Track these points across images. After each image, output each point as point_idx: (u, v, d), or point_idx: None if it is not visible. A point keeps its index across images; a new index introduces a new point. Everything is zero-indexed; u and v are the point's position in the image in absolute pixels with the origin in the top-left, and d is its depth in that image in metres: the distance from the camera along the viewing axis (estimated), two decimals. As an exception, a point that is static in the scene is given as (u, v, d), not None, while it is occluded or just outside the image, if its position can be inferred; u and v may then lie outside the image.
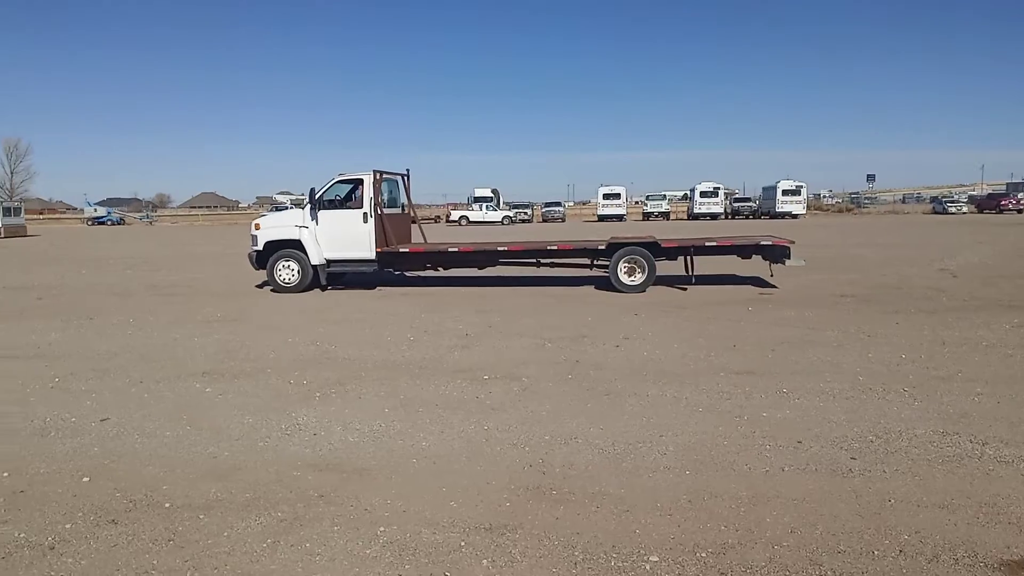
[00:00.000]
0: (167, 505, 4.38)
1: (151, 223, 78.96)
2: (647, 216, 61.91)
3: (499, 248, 14.49)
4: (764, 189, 63.89)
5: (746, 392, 6.46)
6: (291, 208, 26.45)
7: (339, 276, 14.92)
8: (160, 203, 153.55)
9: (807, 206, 61.11)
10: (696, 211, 59.32)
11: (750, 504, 4.19)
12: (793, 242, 13.50)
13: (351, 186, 14.33)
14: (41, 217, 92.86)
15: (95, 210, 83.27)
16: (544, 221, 61.57)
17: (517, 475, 4.73)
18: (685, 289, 13.39)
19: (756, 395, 6.37)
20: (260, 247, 14.36)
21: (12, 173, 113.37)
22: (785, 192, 57.55)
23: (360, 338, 9.46)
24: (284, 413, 6.17)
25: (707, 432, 5.44)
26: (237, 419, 6.04)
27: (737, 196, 68.49)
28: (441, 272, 15.39)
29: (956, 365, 7.29)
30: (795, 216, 56.34)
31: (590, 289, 13.76)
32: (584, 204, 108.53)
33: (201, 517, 4.19)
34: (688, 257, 13.74)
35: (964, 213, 59.43)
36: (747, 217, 59.74)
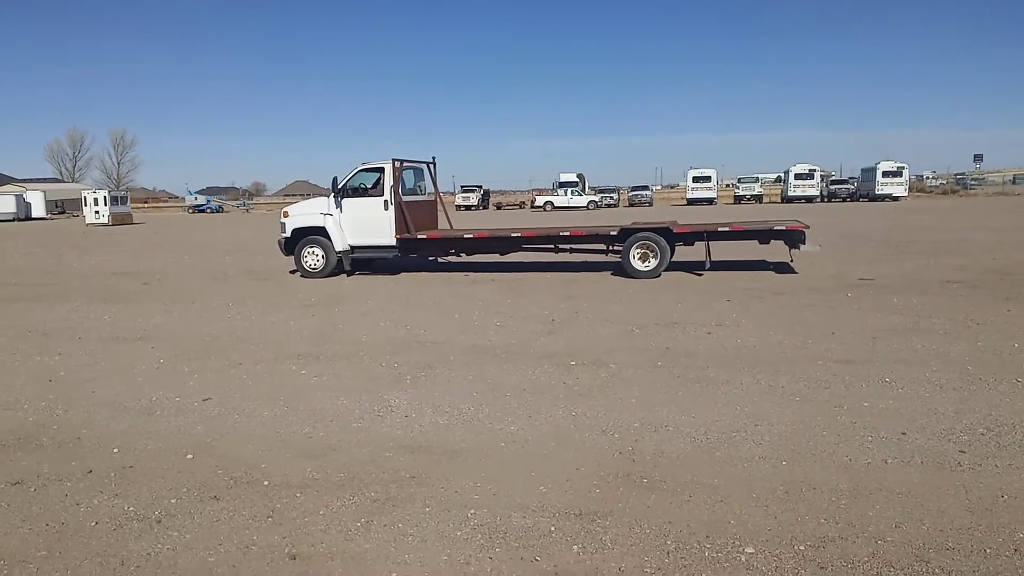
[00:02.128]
0: (266, 483, 4.52)
1: (247, 211, 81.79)
2: (739, 200, 60.35)
3: (513, 234, 14.71)
4: (863, 171, 61.29)
5: (846, 381, 6.22)
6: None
7: (367, 262, 15.33)
8: (256, 191, 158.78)
9: (909, 188, 58.36)
10: (790, 194, 57.41)
11: (851, 497, 4.03)
12: (808, 226, 13.13)
13: (374, 174, 14.64)
14: (145, 206, 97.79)
15: (195, 198, 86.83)
16: (631, 205, 60.83)
17: (606, 462, 4.68)
18: (700, 274, 13.15)
19: (856, 384, 6.12)
20: (288, 234, 14.97)
21: (119, 164, 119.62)
22: (885, 173, 55.01)
23: (448, 322, 9.56)
24: (376, 395, 6.29)
25: (804, 422, 5.26)
26: (331, 401, 6.19)
27: (834, 178, 65.98)
28: (513, 259, 15.50)
29: (1076, 355, 6.83)
30: (896, 199, 53.87)
31: (682, 275, 13.50)
32: (672, 188, 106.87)
33: (298, 495, 4.31)
34: (705, 242, 13.49)
35: (1082, 194, 55.70)
36: (844, 200, 57.42)
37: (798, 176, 57.59)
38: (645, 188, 65.97)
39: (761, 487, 4.21)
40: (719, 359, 7.17)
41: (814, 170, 58.37)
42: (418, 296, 12.05)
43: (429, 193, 16.32)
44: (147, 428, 5.66)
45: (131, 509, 4.21)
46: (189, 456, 5.03)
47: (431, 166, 16.21)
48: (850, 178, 64.00)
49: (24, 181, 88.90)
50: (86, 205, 50.30)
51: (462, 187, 69.94)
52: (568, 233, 14.49)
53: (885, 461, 4.52)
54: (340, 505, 4.16)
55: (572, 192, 58.31)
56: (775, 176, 76.25)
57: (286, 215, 15.28)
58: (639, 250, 13.30)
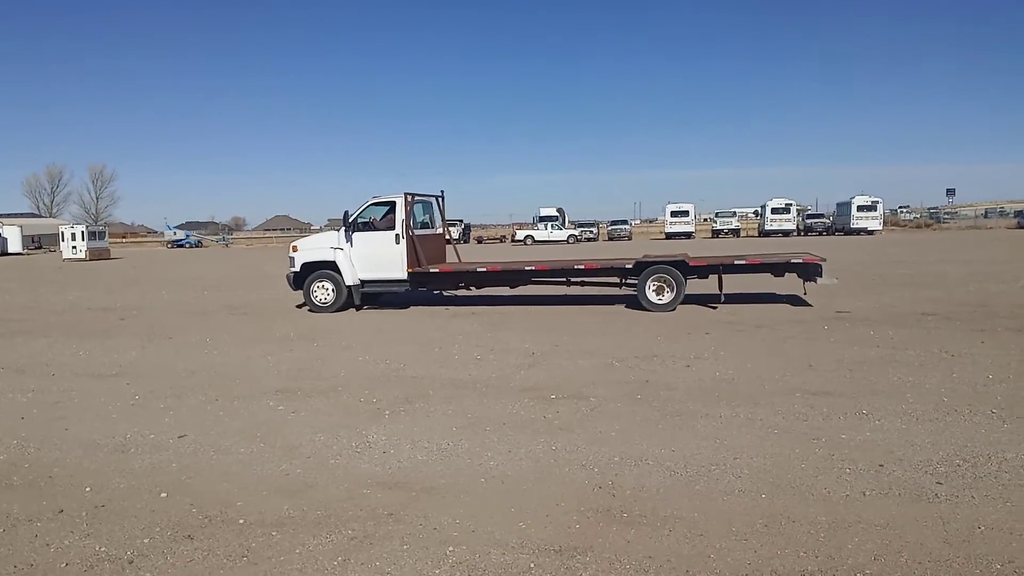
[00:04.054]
0: (241, 521, 4.45)
1: (227, 245, 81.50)
2: (716, 234, 61.08)
3: (526, 268, 14.57)
4: (838, 205, 62.29)
5: (824, 413, 6.26)
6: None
7: (374, 297, 15.19)
8: (236, 226, 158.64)
9: (883, 222, 59.28)
10: (767, 228, 58.19)
11: (830, 529, 4.03)
12: (824, 259, 13.13)
13: (384, 208, 14.59)
14: (124, 240, 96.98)
15: (174, 233, 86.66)
16: (610, 239, 61.25)
17: (587, 496, 4.66)
18: (715, 307, 13.17)
19: (834, 416, 6.16)
20: (297, 268, 14.78)
21: (97, 198, 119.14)
22: (860, 208, 55.95)
23: (428, 356, 9.52)
24: (355, 431, 6.24)
25: (783, 455, 5.27)
26: (309, 437, 6.13)
27: (810, 212, 66.97)
28: (505, 292, 15.48)
29: (1049, 386, 6.92)
30: (871, 232, 54.69)
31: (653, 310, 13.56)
32: (651, 222, 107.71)
33: (274, 534, 4.25)
34: (719, 276, 13.50)
35: (1052, 227, 56.77)
36: (820, 234, 58.26)
37: (775, 210, 58.46)
38: (624, 222, 66.57)
39: (741, 520, 4.20)
40: (698, 392, 7.19)
41: (790, 204, 59.26)
42: (398, 330, 12.00)
43: (438, 226, 16.25)
44: (121, 466, 5.57)
45: (103, 550, 4.13)
46: (163, 494, 4.95)
47: (439, 200, 16.14)
48: (828, 213, 64.95)
49: (0, 216, 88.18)
50: (63, 240, 49.89)
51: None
52: (583, 267, 14.27)
53: (863, 493, 4.53)
54: (316, 544, 4.10)
55: (552, 226, 58.65)
56: (752, 210, 77.22)
57: (295, 249, 15.08)
58: (655, 283, 13.22)
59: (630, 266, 13.59)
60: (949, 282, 16.64)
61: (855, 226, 55.42)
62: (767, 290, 14.83)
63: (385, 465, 5.38)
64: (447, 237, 16.68)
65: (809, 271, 13.05)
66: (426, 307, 15.07)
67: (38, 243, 74.85)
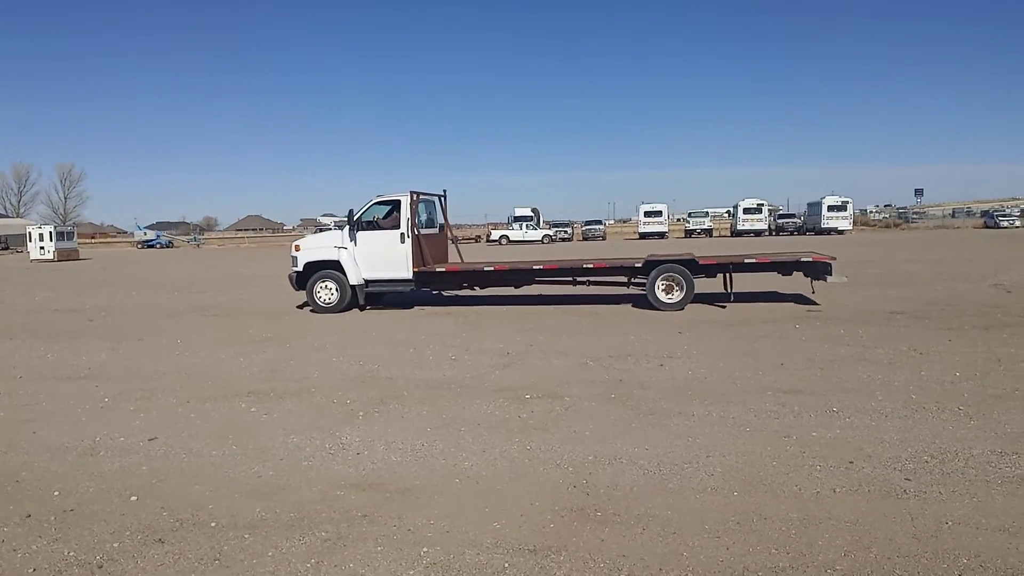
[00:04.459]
0: (213, 524, 4.41)
1: (198, 246, 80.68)
2: (689, 233, 61.59)
3: (534, 267, 14.44)
4: (809, 205, 63.08)
5: (795, 411, 6.32)
6: (332, 229, 26.92)
7: (377, 296, 15.03)
8: (207, 226, 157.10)
9: (853, 221, 60.11)
10: (739, 228, 58.75)
11: (801, 526, 4.08)
12: (834, 258, 13.17)
13: (389, 207, 14.44)
14: (93, 241, 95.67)
15: (145, 233, 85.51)
16: (585, 239, 61.46)
17: (561, 496, 4.67)
18: (724, 307, 13.20)
19: (805, 414, 6.23)
20: (300, 268, 14.56)
21: (66, 198, 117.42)
22: (831, 207, 56.75)
23: (403, 357, 9.49)
24: (328, 432, 6.20)
25: (755, 452, 5.32)
26: (282, 439, 6.08)
27: (781, 212, 67.72)
28: (480, 292, 15.44)
29: (1013, 383, 7.05)
30: (841, 232, 55.47)
31: (632, 307, 13.65)
32: (625, 222, 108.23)
33: (246, 536, 4.21)
34: (727, 275, 13.57)
35: (1017, 227, 57.87)
36: (791, 233, 58.95)
37: (747, 210, 59.07)
38: (599, 222, 66.87)
39: (713, 518, 4.23)
40: (671, 391, 7.23)
41: (762, 204, 59.91)
42: (371, 331, 11.95)
43: (440, 225, 16.09)
44: (90, 469, 5.49)
45: (71, 554, 4.07)
46: (133, 498, 4.89)
47: (442, 199, 15.96)
48: (799, 213, 65.74)
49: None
50: (31, 241, 49.11)
51: (417, 221, 69.84)
52: (592, 266, 14.14)
53: (834, 490, 4.58)
54: (289, 546, 4.07)
55: (527, 226, 58.72)
56: (725, 210, 77.87)
57: (298, 249, 14.86)
58: (664, 282, 13.20)
59: (639, 265, 13.52)
60: (917, 281, 16.89)
61: (825, 226, 56.19)
62: (754, 289, 14.94)
63: (359, 466, 5.36)
64: (450, 236, 16.52)
65: (818, 270, 13.06)
66: (397, 310, 15.00)
67: (5, 244, 73.66)
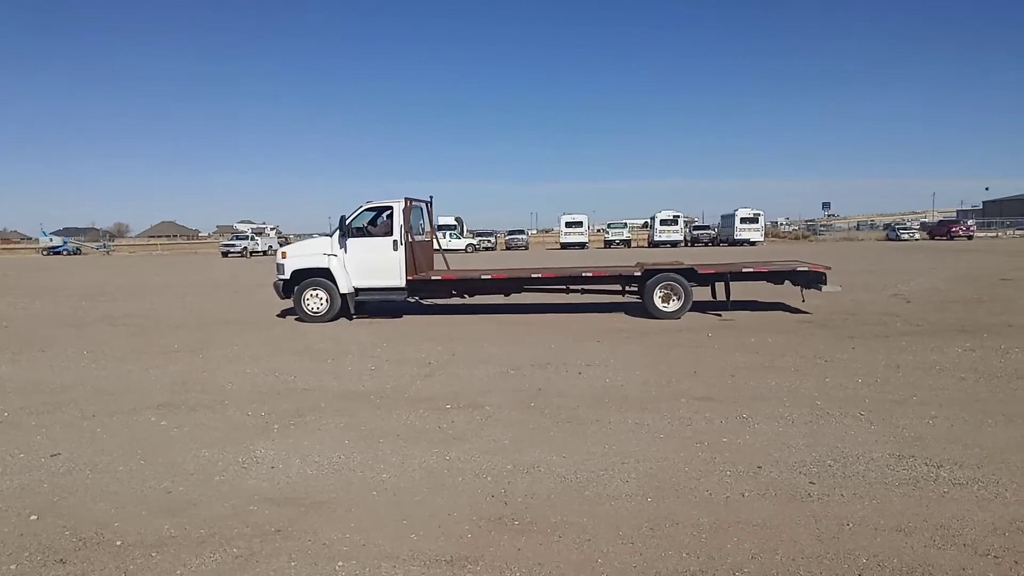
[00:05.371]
0: (118, 543, 4.26)
1: (108, 253, 77.61)
2: (609, 244, 62.62)
3: (533, 275, 14.30)
4: (723, 217, 65.03)
5: (707, 418, 6.51)
6: (248, 236, 26.37)
7: (361, 305, 14.67)
8: (118, 232, 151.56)
9: (765, 233, 62.22)
10: (657, 239, 60.11)
11: (711, 531, 4.20)
12: (829, 268, 13.56)
13: (379, 213, 14.20)
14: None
15: (51, 240, 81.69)
16: (508, 248, 61.75)
17: (479, 506, 4.69)
18: (720, 316, 13.39)
19: (717, 421, 6.41)
20: (287, 276, 14.09)
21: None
22: (743, 220, 58.66)
23: (320, 368, 9.34)
24: (241, 446, 6.06)
25: (668, 459, 5.45)
26: (193, 453, 5.91)
27: (696, 224, 69.61)
28: (408, 302, 15.32)
29: (910, 389, 7.42)
30: (753, 243, 57.37)
31: (554, 316, 13.80)
32: (547, 232, 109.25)
33: (153, 555, 4.08)
34: (725, 283, 13.76)
35: (916, 239, 60.96)
36: (706, 244, 60.80)
37: (663, 222, 60.56)
38: (521, 232, 67.36)
39: (628, 524, 4.32)
40: (589, 399, 7.34)
41: (678, 216, 61.52)
42: (289, 341, 11.72)
43: (427, 232, 15.74)
44: (-16, 489, 5.23)
45: (-38, 579, 3.87)
46: (33, 517, 4.68)
47: (428, 205, 15.63)
48: (713, 225, 67.71)
49: None
50: (-78, 246, 46.36)
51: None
52: (590, 274, 14.10)
53: (742, 494, 4.74)
54: (199, 563, 3.96)
55: (451, 235, 58.63)
56: (643, 222, 79.47)
57: (284, 256, 14.33)
58: (662, 291, 13.27)
59: (638, 274, 13.57)
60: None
61: (738, 237, 58.04)
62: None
63: (273, 480, 5.26)
64: (435, 244, 16.26)
65: (811, 278, 13.41)
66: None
67: None
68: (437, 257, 16.18)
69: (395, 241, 13.78)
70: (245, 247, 58.52)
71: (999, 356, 8.95)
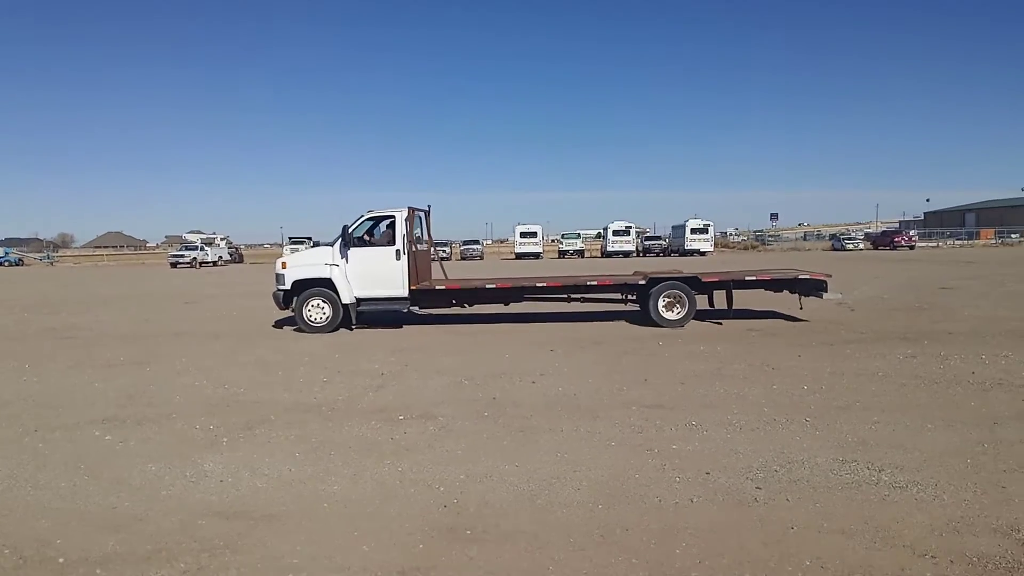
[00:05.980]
0: (60, 560, 4.16)
1: (52, 264, 75.46)
2: (563, 254, 63.05)
3: (538, 284, 14.34)
4: (674, 228, 65.96)
5: (657, 425, 6.60)
6: (197, 246, 25.95)
7: (360, 315, 14.36)
8: (62, 243, 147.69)
9: (714, 243, 63.26)
10: (610, 249, 60.73)
11: (661, 536, 4.26)
12: (830, 276, 13.77)
13: (380, 222, 14.09)
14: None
15: (-10, 250, 79.17)
16: (463, 259, 61.71)
17: (431, 516, 4.68)
18: (720, 323, 13.53)
19: (667, 428, 6.51)
20: (287, 286, 13.85)
21: None
22: (693, 230, 59.61)
23: (271, 380, 9.23)
24: (189, 460, 5.96)
25: (619, 466, 5.52)
26: (139, 467, 5.80)
27: (648, 234, 70.51)
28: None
29: (854, 395, 7.61)
30: (703, 253, 58.29)
31: (507, 325, 13.84)
32: (502, 242, 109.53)
33: (97, 572, 3.99)
34: (727, 292, 13.91)
35: (860, 249, 62.53)
36: (657, 255, 61.59)
37: (616, 232, 61.29)
38: (476, 242, 67.47)
39: (579, 532, 4.36)
40: (543, 407, 7.39)
41: (630, 227, 62.35)
42: (238, 353, 11.55)
43: (426, 241, 15.58)
44: (-81, 508, 5.05)
45: None
46: (-31, 537, 4.54)
47: (427, 214, 15.46)
48: (664, 235, 68.65)
49: None
50: None
51: (290, 239, 68.69)
52: (595, 283, 14.14)
53: (691, 500, 4.82)
54: (145, 580, 3.89)
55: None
56: (596, 232, 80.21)
57: (284, 266, 14.03)
58: (666, 299, 13.33)
59: (642, 282, 13.65)
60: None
61: (689, 247, 58.93)
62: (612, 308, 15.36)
63: (222, 494, 5.18)
64: (434, 254, 16.13)
65: (811, 286, 13.59)
66: (269, 329, 14.58)
67: None
68: (435, 266, 16.15)
69: (398, 250, 13.71)
70: (195, 258, 57.45)
71: (938, 363, 9.24)
